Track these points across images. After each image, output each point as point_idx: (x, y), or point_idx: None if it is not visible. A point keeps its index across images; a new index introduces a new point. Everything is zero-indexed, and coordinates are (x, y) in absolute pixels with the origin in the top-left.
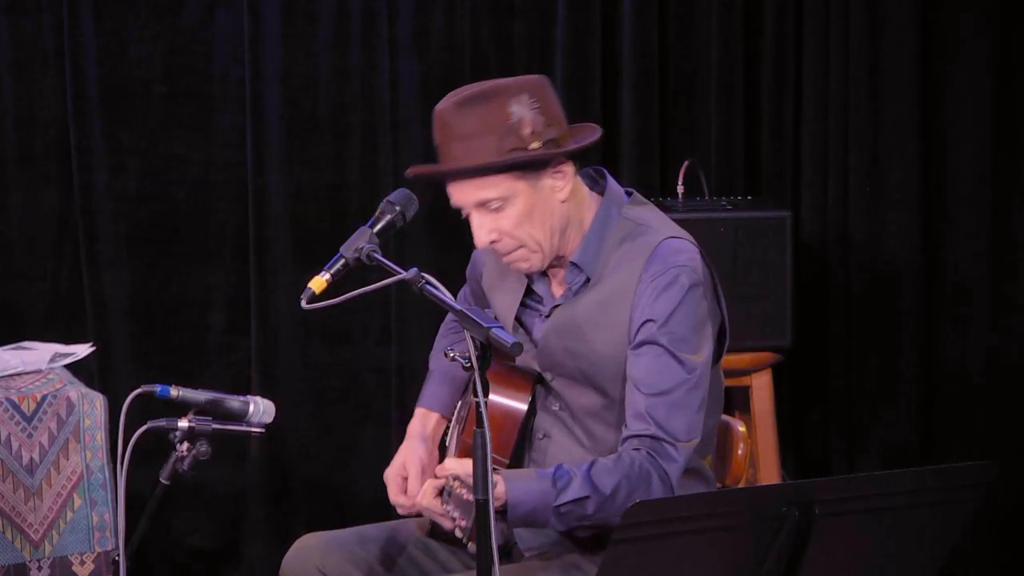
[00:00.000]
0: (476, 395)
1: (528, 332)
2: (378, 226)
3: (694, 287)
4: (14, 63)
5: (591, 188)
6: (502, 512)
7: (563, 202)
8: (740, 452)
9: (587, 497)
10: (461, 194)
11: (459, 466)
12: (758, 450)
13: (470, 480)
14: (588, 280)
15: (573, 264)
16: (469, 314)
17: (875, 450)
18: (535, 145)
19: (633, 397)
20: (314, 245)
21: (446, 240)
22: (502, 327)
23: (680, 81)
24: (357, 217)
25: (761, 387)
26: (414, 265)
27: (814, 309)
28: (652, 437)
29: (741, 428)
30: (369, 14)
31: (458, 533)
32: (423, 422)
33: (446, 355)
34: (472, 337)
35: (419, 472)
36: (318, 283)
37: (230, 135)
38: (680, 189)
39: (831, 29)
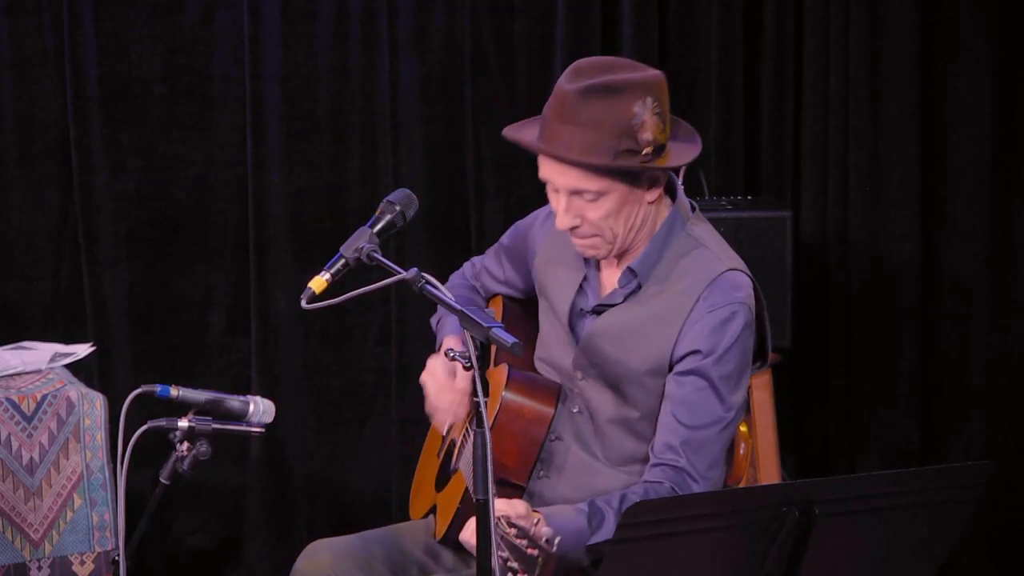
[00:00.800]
0: (476, 395)
1: (572, 328)
2: (378, 226)
3: (748, 326)
4: (14, 63)
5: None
6: None
7: (650, 203)
8: (740, 452)
9: None
10: (557, 175)
11: (510, 508)
12: (758, 450)
13: (523, 524)
14: (639, 287)
15: (630, 269)
16: (469, 314)
17: (875, 450)
18: (647, 151)
19: (669, 426)
20: (314, 245)
21: (446, 240)
22: (502, 326)
23: (680, 81)
24: (357, 217)
25: (761, 387)
26: (414, 265)
27: (814, 309)
28: (679, 469)
29: (741, 428)
30: (369, 14)
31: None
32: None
33: (446, 355)
34: (472, 337)
35: (467, 374)
36: (318, 283)
37: (230, 135)
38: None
39: (831, 29)
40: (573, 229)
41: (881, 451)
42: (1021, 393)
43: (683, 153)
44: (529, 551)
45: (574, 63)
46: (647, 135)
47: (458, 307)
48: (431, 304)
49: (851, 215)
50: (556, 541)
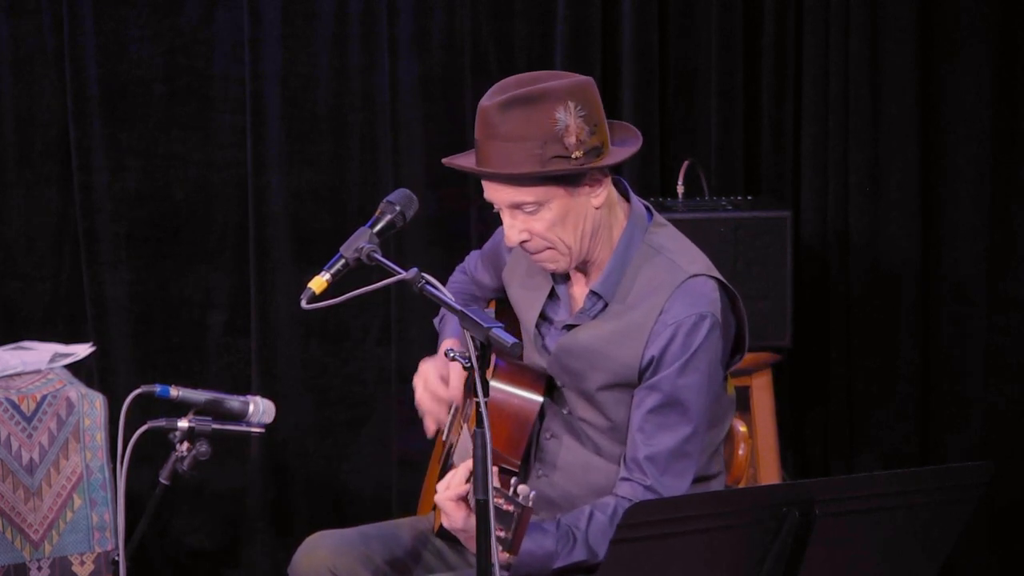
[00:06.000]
0: (476, 395)
1: (542, 339)
2: (378, 226)
3: (711, 334)
4: (14, 63)
5: (620, 195)
6: (506, 566)
7: (597, 208)
8: (740, 452)
9: (585, 560)
10: (497, 193)
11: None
12: (758, 450)
13: (504, 488)
14: (606, 306)
15: (593, 292)
16: (469, 314)
17: (875, 450)
18: (577, 154)
19: (635, 441)
20: (314, 245)
21: (446, 240)
22: (502, 327)
23: (680, 81)
24: (357, 217)
25: (761, 387)
26: (414, 265)
27: (814, 309)
28: (646, 488)
29: (741, 428)
30: (369, 14)
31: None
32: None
33: (446, 355)
34: (472, 337)
35: (461, 381)
36: (318, 283)
37: (230, 135)
38: (680, 189)
39: (831, 28)
40: (524, 244)
41: (881, 451)
42: (1021, 393)
43: (621, 152)
44: (506, 507)
45: (498, 82)
46: (572, 139)
47: (458, 307)
48: (431, 304)
49: (851, 215)
50: (532, 496)
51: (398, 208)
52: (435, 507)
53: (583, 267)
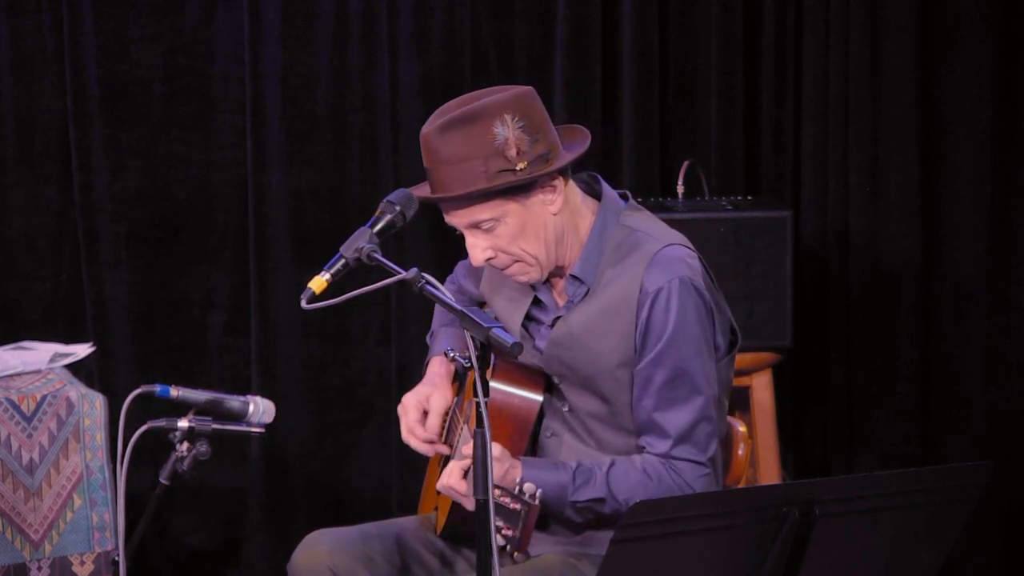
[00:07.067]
0: (476, 395)
1: (532, 340)
2: (378, 226)
3: (691, 294)
4: (14, 63)
5: (586, 193)
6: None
7: (555, 214)
8: (740, 452)
9: (603, 499)
10: (454, 217)
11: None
12: (758, 450)
13: (505, 484)
14: (588, 290)
15: (573, 276)
16: (469, 314)
17: (875, 450)
18: (522, 165)
19: (651, 417)
20: (314, 245)
21: (446, 240)
22: (502, 327)
23: (680, 81)
24: (357, 217)
25: (761, 387)
26: (414, 265)
27: (814, 309)
28: (672, 457)
29: (741, 428)
30: (369, 14)
31: (500, 541)
32: (446, 367)
33: (446, 355)
34: (472, 337)
35: (442, 411)
36: (318, 283)
37: (230, 135)
38: (680, 189)
39: (831, 28)
40: (490, 261)
41: (881, 451)
42: (1021, 393)
43: (569, 155)
44: (512, 506)
45: (438, 108)
46: (513, 151)
47: (458, 307)
48: (431, 304)
49: (851, 215)
50: (538, 494)
51: (398, 208)
52: (436, 507)
53: (559, 272)
